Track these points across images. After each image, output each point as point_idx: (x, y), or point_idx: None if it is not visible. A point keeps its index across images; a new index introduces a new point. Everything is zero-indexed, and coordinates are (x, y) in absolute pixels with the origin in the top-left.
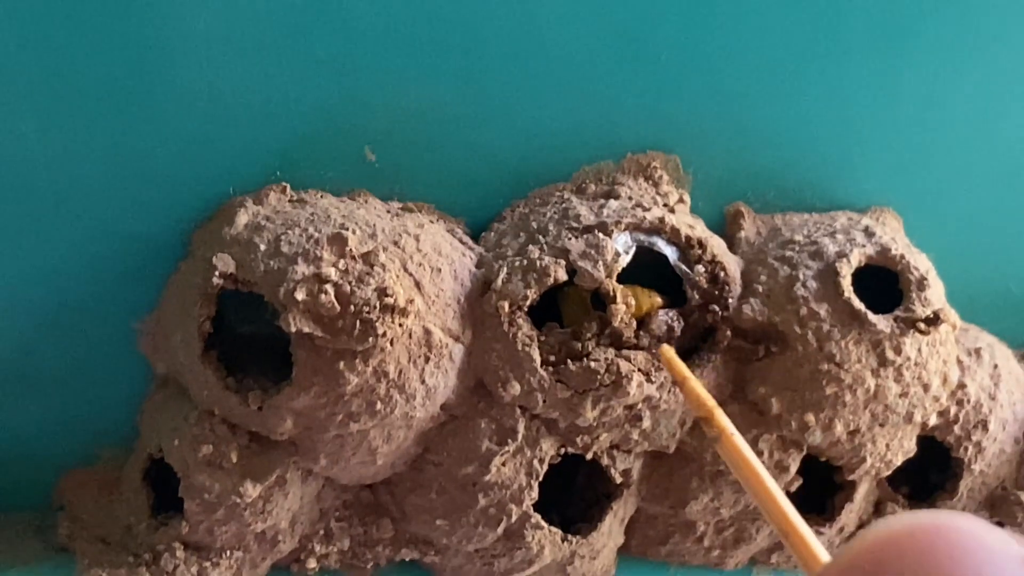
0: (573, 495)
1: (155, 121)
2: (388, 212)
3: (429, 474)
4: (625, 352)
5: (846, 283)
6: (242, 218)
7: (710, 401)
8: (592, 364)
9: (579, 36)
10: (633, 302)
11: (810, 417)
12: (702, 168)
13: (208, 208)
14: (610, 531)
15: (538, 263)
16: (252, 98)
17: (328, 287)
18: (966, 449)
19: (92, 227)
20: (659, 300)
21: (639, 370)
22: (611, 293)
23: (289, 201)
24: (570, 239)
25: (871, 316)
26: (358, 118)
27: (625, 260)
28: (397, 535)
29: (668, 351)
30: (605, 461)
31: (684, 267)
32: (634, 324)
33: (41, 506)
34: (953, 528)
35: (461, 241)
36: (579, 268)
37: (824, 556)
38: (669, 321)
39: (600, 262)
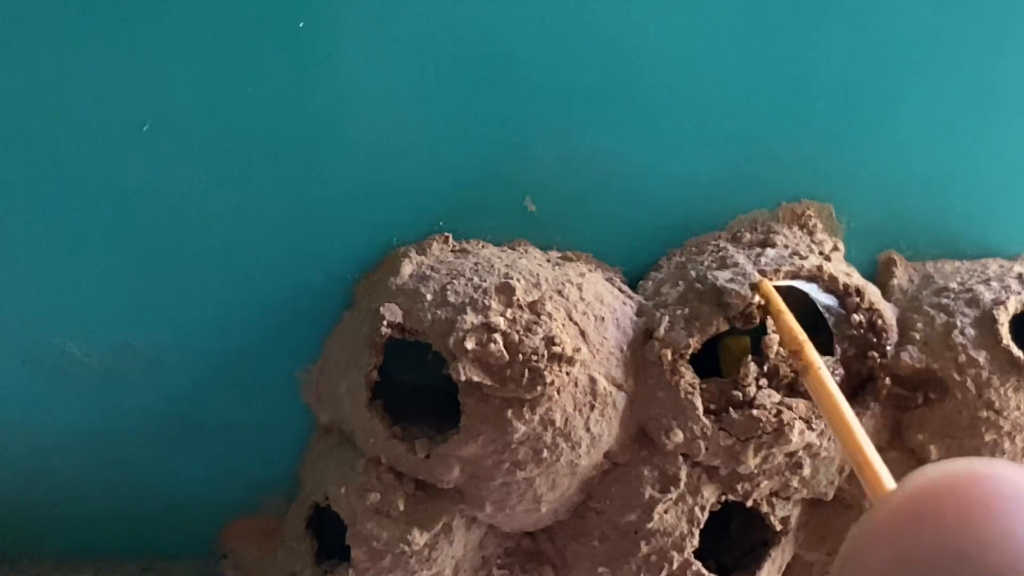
0: (727, 541)
1: (320, 173)
2: (548, 261)
3: (591, 521)
4: (786, 400)
5: (1004, 330)
6: (407, 268)
7: (802, 335)
8: (755, 412)
9: (732, 88)
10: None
11: None
12: (854, 216)
13: (372, 259)
14: None
15: (700, 312)
16: (415, 150)
17: (497, 336)
18: None
19: (258, 278)
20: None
21: (800, 418)
22: (762, 304)
23: (452, 251)
24: None
25: None
26: (519, 169)
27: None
28: None
29: (766, 284)
30: (764, 508)
31: (842, 312)
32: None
33: (205, 554)
34: (989, 476)
35: (620, 290)
36: (725, 288)
37: (892, 487)
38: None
39: (747, 285)
